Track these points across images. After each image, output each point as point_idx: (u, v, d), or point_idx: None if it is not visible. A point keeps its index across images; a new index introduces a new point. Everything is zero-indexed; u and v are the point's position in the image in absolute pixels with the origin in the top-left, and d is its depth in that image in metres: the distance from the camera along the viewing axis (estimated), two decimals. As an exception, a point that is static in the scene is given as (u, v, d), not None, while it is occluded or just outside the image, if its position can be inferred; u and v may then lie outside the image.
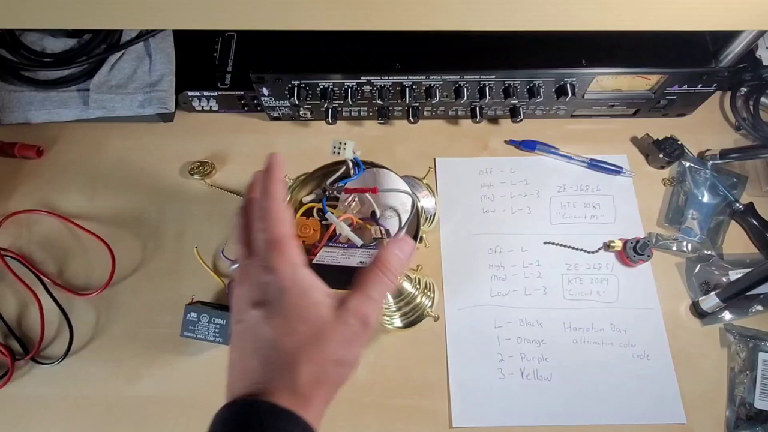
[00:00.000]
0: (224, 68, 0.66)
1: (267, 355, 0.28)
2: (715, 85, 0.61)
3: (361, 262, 0.40)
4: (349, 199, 0.46)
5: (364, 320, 0.30)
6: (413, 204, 0.46)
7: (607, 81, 0.61)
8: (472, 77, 0.60)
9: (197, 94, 0.66)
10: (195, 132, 0.68)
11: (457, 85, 0.61)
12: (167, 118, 0.68)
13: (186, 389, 0.55)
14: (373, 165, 0.46)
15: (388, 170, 0.46)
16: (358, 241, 0.43)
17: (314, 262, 0.40)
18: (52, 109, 0.66)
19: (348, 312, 0.29)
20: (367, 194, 0.45)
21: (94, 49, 0.65)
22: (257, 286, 0.30)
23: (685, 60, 0.59)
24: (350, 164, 0.45)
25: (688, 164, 0.64)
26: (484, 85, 0.61)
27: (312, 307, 0.29)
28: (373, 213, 0.46)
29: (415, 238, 0.48)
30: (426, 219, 0.59)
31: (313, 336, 0.28)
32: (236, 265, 0.38)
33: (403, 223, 0.46)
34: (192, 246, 0.60)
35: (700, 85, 0.61)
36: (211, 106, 0.68)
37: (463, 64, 0.59)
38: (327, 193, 0.46)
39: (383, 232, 0.45)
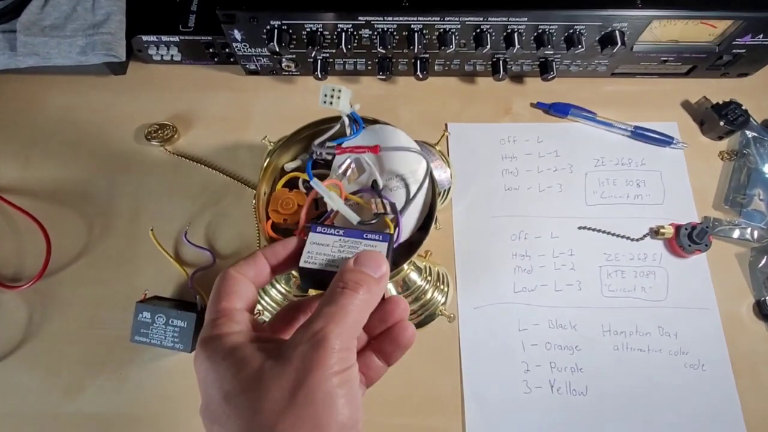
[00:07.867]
0: (188, 7, 0.56)
1: None
2: (793, 36, 0.50)
3: None
4: (345, 165, 0.34)
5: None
6: (427, 168, 0.35)
7: (663, 29, 0.51)
8: (498, 20, 0.49)
9: (154, 39, 0.56)
10: (153, 88, 0.60)
11: (478, 30, 0.50)
12: (118, 69, 0.59)
13: (139, 404, 0.47)
14: (375, 122, 0.35)
15: (394, 128, 0.35)
16: (354, 218, 0.32)
17: (301, 266, 0.29)
18: (-29, 55, 0.54)
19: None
20: (365, 155, 0.34)
21: (21, -21, 0.53)
22: None
23: (764, 2, 0.48)
24: (346, 120, 0.34)
25: (752, 134, 0.55)
26: (512, 30, 0.50)
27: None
28: (375, 183, 0.35)
29: (431, 214, 0.37)
30: (439, 194, 0.48)
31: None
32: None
33: (412, 195, 0.35)
34: (147, 227, 0.51)
35: (776, 36, 0.50)
36: (172, 56, 0.58)
37: (487, 3, 0.48)
38: (314, 156, 0.35)
39: (387, 206, 0.34)
